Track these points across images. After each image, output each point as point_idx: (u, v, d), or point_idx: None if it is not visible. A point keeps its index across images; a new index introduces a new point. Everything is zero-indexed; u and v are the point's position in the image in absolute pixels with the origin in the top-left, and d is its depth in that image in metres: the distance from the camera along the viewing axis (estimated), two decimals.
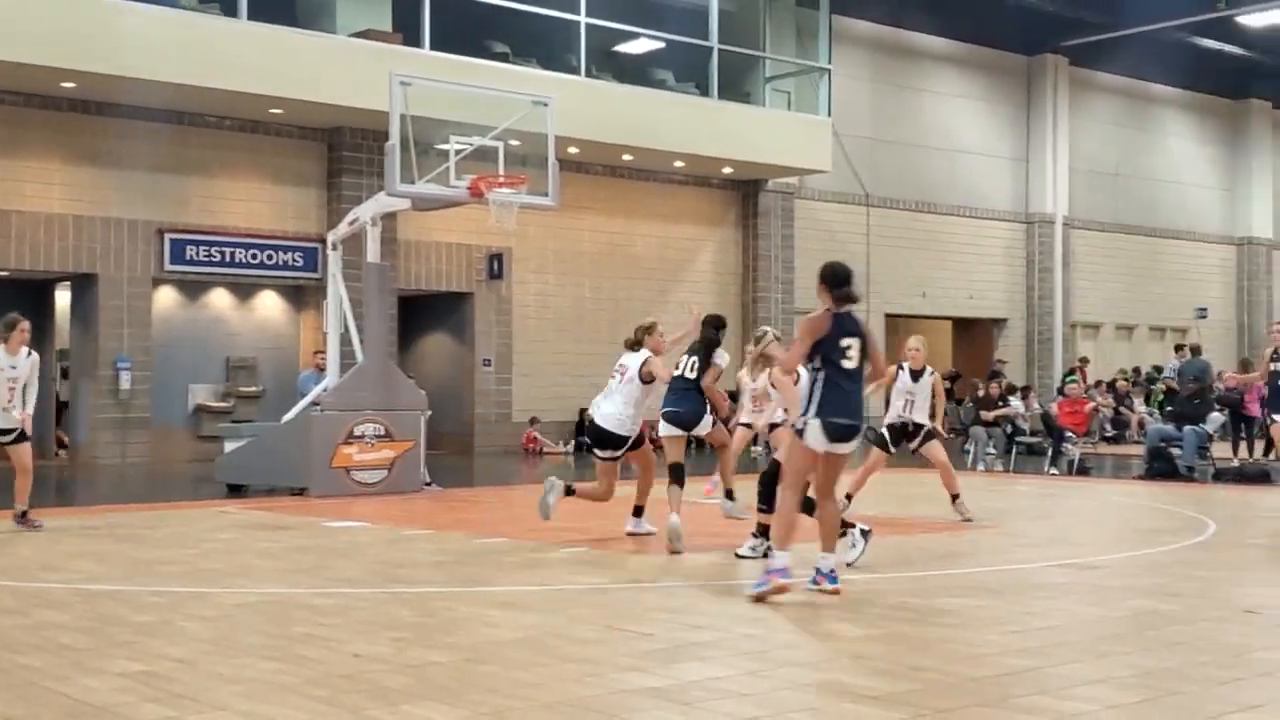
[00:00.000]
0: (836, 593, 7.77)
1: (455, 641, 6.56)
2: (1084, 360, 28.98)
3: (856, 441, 7.97)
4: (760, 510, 9.33)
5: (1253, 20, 28.31)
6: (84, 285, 20.00)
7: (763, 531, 9.33)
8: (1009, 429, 19.87)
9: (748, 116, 24.25)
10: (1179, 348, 28.63)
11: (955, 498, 12.23)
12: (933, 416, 12.15)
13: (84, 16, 17.52)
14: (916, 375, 12.09)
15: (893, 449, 12.30)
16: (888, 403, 12.32)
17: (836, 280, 7.89)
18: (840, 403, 7.83)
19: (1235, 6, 27.28)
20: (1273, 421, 13.61)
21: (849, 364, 7.84)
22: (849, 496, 11.80)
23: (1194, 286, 34.03)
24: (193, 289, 21.06)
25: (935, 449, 12.11)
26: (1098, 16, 28.12)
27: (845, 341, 7.81)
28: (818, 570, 7.91)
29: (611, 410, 10.43)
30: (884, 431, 12.33)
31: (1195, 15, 27.60)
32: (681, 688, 5.69)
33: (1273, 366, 13.65)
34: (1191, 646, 6.54)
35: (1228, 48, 30.40)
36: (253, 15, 18.79)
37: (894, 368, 11.86)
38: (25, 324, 11.48)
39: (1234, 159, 35.33)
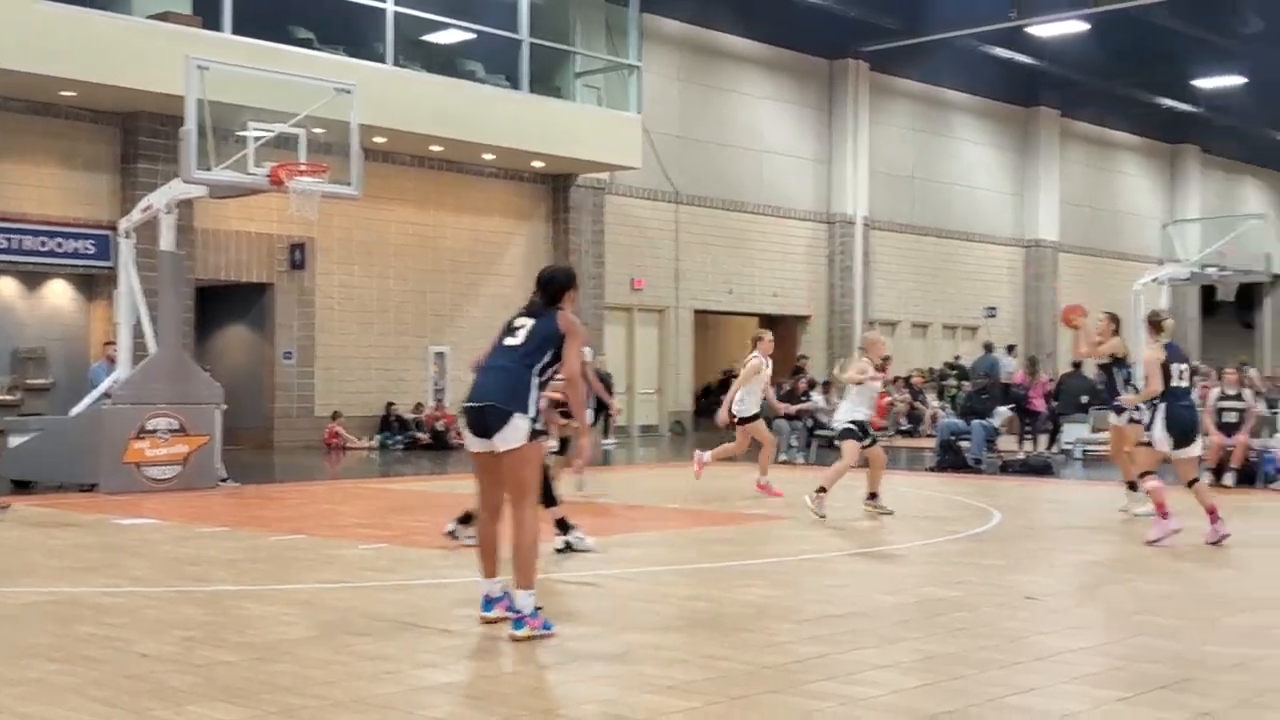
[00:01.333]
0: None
1: (246, 640, 6.43)
2: (886, 358, 29.77)
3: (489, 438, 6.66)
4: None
5: (1042, 30, 29.49)
6: None
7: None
8: (810, 423, 20.34)
9: (558, 111, 24.26)
10: (982, 346, 29.68)
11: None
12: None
13: None
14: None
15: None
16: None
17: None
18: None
19: (1026, 16, 28.38)
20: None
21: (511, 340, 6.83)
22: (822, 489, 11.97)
23: (985, 286, 35.33)
24: None
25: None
26: (897, 23, 28.92)
27: (519, 321, 6.88)
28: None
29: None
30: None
31: (989, 24, 28.61)
32: (478, 683, 5.69)
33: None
34: (974, 632, 6.81)
35: (1019, 56, 31.61)
36: None
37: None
38: None
39: (1023, 164, 36.78)
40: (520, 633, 6.40)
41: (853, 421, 12.22)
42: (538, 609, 6.51)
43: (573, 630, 6.70)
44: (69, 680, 5.54)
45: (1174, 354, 10.46)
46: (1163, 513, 10.24)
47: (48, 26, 17.96)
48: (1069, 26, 28.78)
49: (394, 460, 20.90)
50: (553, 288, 6.94)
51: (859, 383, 12.25)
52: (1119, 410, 12.91)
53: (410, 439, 22.96)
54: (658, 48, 27.50)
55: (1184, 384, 10.41)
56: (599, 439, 20.87)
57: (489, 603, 6.78)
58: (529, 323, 6.83)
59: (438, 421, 23.26)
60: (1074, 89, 34.55)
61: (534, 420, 6.60)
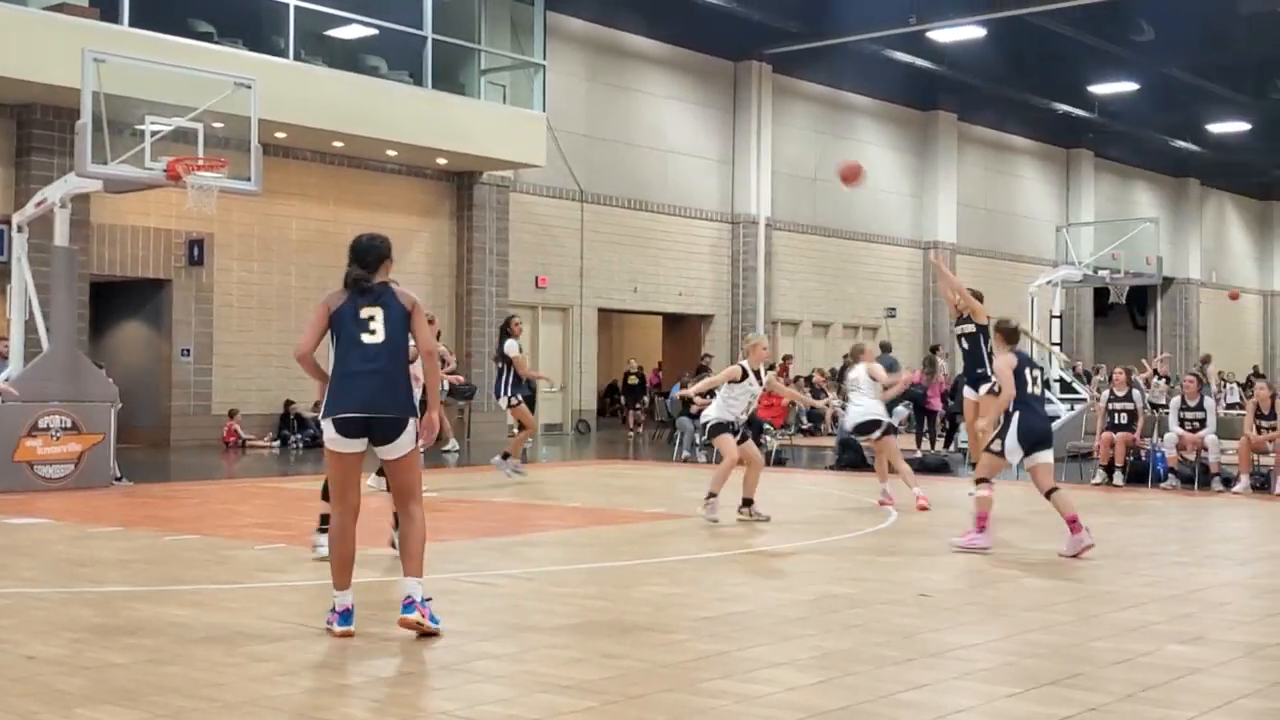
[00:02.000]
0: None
1: (137, 642, 6.33)
2: (787, 357, 30.10)
3: (378, 444, 6.60)
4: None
5: (941, 36, 29.94)
6: None
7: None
8: None
9: (462, 108, 24.14)
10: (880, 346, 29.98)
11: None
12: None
13: None
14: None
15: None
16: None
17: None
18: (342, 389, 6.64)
19: (926, 22, 28.79)
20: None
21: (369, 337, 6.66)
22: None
23: (885, 287, 35.79)
24: None
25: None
26: (800, 26, 29.18)
27: (365, 312, 6.69)
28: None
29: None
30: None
31: (889, 29, 28.98)
32: (373, 684, 5.66)
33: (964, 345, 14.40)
34: (868, 629, 6.92)
35: (919, 61, 32.05)
36: None
37: (736, 367, 12.18)
38: None
39: (922, 167, 37.30)
40: (410, 616, 6.37)
41: (719, 420, 11.96)
42: (426, 600, 6.47)
43: (470, 630, 6.70)
44: None
45: (1025, 361, 10.25)
46: (981, 525, 10.08)
47: None
48: (967, 32, 29.26)
49: (293, 459, 20.67)
50: (372, 256, 6.80)
51: (703, 394, 12.18)
52: (983, 380, 13.11)
53: (310, 437, 22.71)
54: (563, 46, 27.49)
55: (1036, 391, 10.20)
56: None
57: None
58: (378, 312, 6.64)
59: None
60: (972, 93, 35.12)
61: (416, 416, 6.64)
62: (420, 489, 6.74)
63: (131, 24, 19.25)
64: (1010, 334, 10.38)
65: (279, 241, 23.29)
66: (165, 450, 21.30)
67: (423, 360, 6.96)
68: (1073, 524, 9.72)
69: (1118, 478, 16.19)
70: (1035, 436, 9.97)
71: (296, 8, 21.40)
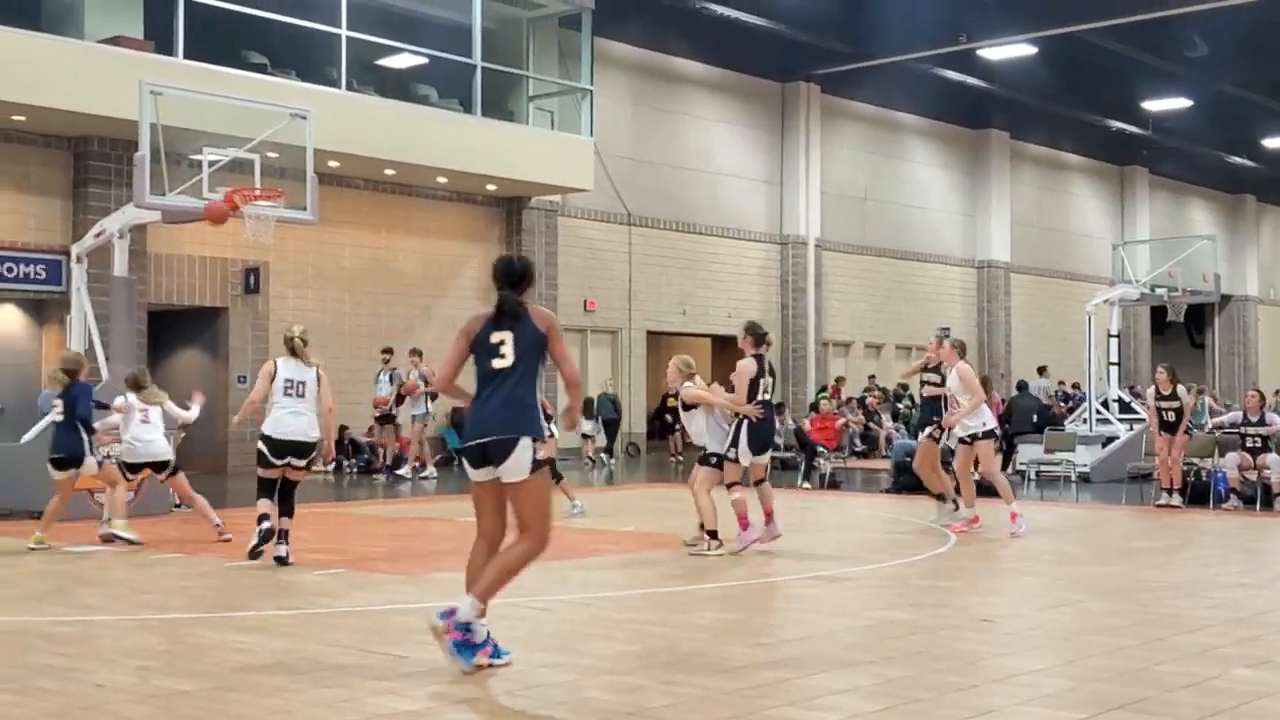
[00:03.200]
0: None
1: (203, 669, 6.38)
2: (839, 379, 30.03)
3: (496, 467, 6.38)
4: None
5: (991, 53, 29.81)
6: None
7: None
8: None
9: (511, 134, 24.29)
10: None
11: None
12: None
13: None
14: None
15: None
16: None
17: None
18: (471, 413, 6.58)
19: (976, 40, 28.69)
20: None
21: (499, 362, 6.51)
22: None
23: (938, 307, 35.58)
24: None
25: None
26: (848, 47, 29.15)
27: (496, 337, 6.53)
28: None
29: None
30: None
31: (939, 48, 28.90)
32: (436, 710, 5.68)
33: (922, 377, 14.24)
34: (930, 655, 6.85)
35: (969, 79, 31.92)
36: None
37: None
38: None
39: (974, 186, 37.11)
40: (440, 623, 6.22)
41: (713, 454, 11.31)
42: (469, 625, 6.26)
43: (529, 656, 6.70)
44: (22, 712, 5.48)
45: (762, 368, 11.12)
46: (744, 524, 10.97)
47: (0, 52, 17.83)
48: (1018, 50, 29.12)
49: (347, 484, 20.80)
50: (518, 277, 6.55)
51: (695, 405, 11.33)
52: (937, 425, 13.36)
53: (365, 462, 22.85)
54: (610, 71, 27.60)
55: (768, 397, 11.18)
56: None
57: (445, 614, 6.34)
58: (509, 336, 6.46)
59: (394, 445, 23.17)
60: (1024, 111, 34.93)
61: (539, 439, 6.38)
62: (542, 525, 6.42)
63: (186, 56, 19.50)
64: (760, 338, 11.32)
65: (332, 269, 23.49)
66: (222, 477, 21.47)
67: (564, 382, 6.73)
68: (769, 516, 11.16)
69: (1175, 499, 16.01)
70: (762, 441, 11.19)
71: (348, 38, 21.62)
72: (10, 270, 19.82)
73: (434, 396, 21.38)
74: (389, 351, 22.18)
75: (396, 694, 5.90)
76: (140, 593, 9.03)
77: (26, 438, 15.01)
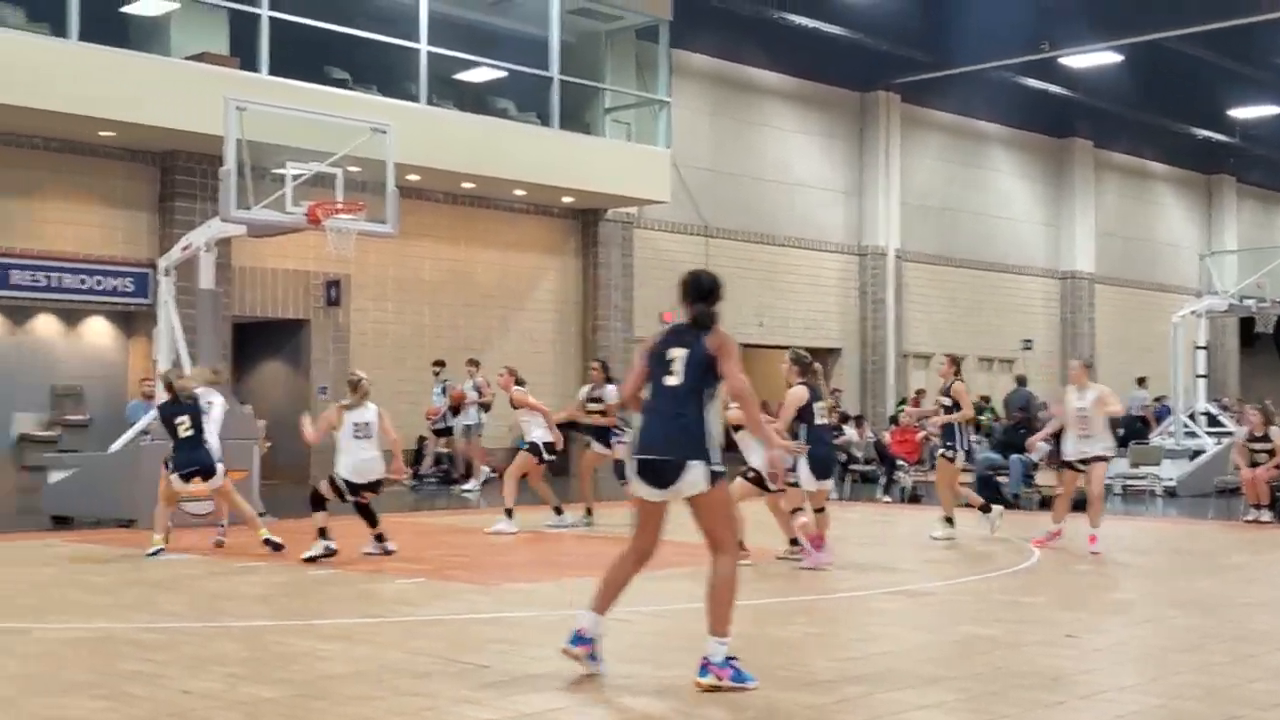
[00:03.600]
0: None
1: (287, 676, 6.45)
2: (919, 392, 29.73)
3: (664, 489, 6.32)
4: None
5: (1075, 61, 29.45)
6: None
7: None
8: (844, 457, 20.27)
9: (588, 147, 24.37)
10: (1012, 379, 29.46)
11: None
12: None
13: None
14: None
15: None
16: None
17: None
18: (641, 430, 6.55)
19: (1059, 48, 28.36)
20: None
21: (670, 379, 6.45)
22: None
23: (1020, 319, 35.16)
24: (17, 314, 20.31)
25: None
26: (928, 56, 28.94)
27: (671, 353, 6.47)
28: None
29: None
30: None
31: (1021, 56, 28.60)
32: None
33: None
34: (1015, 671, 6.76)
35: (1051, 87, 31.55)
36: (84, 36, 18.23)
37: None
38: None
39: (1057, 195, 36.65)
40: (705, 680, 6.11)
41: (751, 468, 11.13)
42: (730, 659, 6.18)
43: (611, 669, 6.69)
44: (113, 717, 5.56)
45: (815, 394, 11.09)
46: (819, 544, 10.91)
47: (87, 68, 18.19)
48: (1102, 57, 28.75)
49: (425, 494, 20.95)
50: (709, 291, 6.55)
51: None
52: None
53: (443, 473, 23.01)
54: (687, 82, 27.61)
55: (825, 422, 11.17)
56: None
57: (579, 639, 6.34)
58: (682, 353, 6.41)
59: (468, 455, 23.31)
60: (1108, 120, 34.46)
61: (713, 461, 6.30)
62: (728, 537, 6.44)
63: (270, 72, 19.77)
64: (807, 367, 11.28)
65: (412, 281, 23.70)
66: (305, 486, 21.66)
67: (737, 402, 6.66)
68: (817, 541, 10.92)
69: (1267, 514, 15.70)
70: (823, 465, 11.10)
71: (428, 53, 21.83)
72: (99, 283, 20.20)
73: (486, 408, 21.16)
74: (441, 364, 22.16)
75: (479, 704, 5.92)
76: (223, 600, 9.14)
77: (115, 447, 15.30)
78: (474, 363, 21.36)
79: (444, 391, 21.47)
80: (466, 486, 20.87)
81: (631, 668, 6.73)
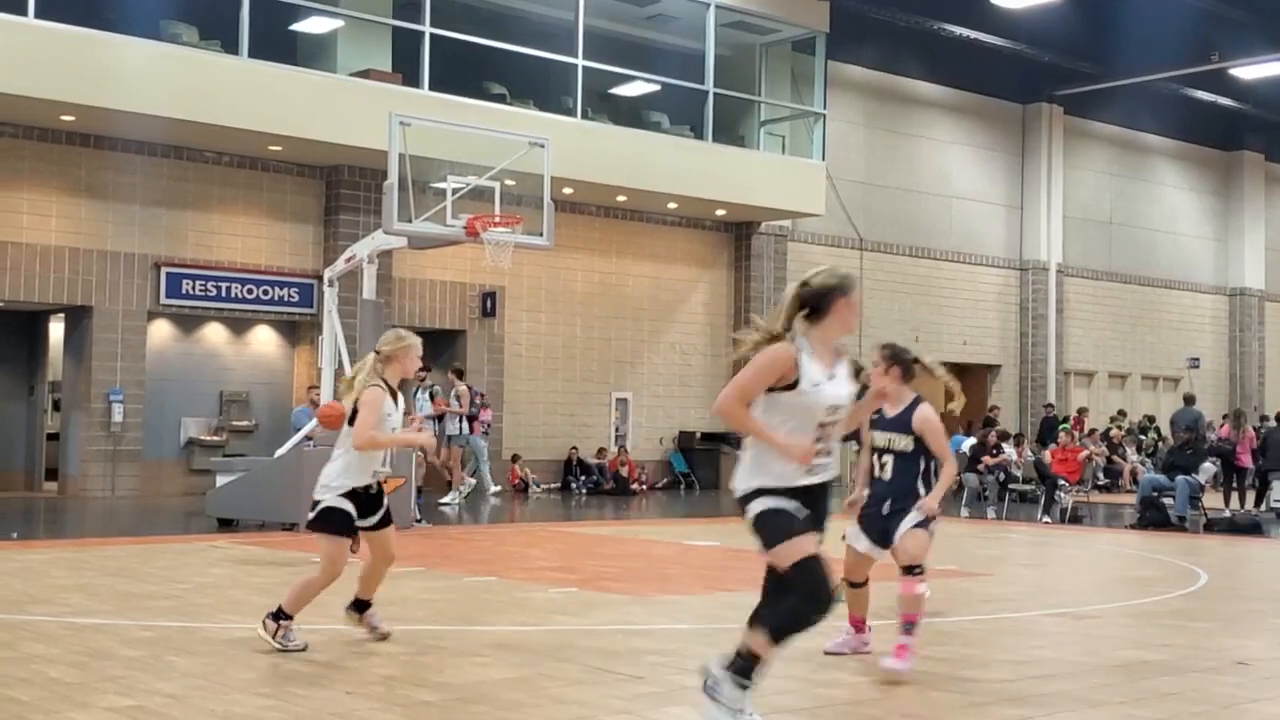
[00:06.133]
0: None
1: (445, 680, 6.53)
2: (1082, 410, 29.02)
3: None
4: None
5: (1245, 73, 28.54)
6: (78, 317, 19.99)
7: None
8: (1002, 476, 19.86)
9: (741, 160, 24.36)
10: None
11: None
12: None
13: (85, 51, 17.59)
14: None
15: None
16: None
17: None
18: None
19: (1229, 59, 27.51)
20: None
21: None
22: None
23: (1186, 336, 34.12)
24: (187, 323, 21.06)
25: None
26: (1092, 67, 28.33)
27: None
28: None
29: None
30: None
31: (1189, 67, 27.82)
32: None
33: None
34: (1183, 697, 6.53)
35: (1220, 99, 30.63)
36: (254, 53, 18.87)
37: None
38: None
39: (1226, 210, 35.52)
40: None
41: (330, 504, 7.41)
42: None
43: (766, 684, 6.63)
44: (276, 715, 5.69)
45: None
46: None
47: (257, 84, 18.78)
48: (1273, 68, 27.80)
49: (575, 504, 21.11)
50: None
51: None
52: None
53: (594, 483, 23.19)
54: (843, 94, 27.42)
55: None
56: None
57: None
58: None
59: (621, 466, 23.43)
60: (1279, 132, 33.32)
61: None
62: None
63: (431, 88, 20.20)
64: (906, 366, 7.84)
65: (565, 293, 23.93)
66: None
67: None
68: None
69: None
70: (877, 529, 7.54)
71: (584, 68, 22.05)
72: (266, 293, 20.82)
73: (472, 419, 19.91)
74: (426, 369, 20.10)
75: (631, 714, 5.92)
76: (384, 604, 9.29)
77: (280, 452, 15.72)
78: (458, 372, 20.14)
79: (432, 397, 20.11)
80: (445, 499, 19.52)
81: (787, 683, 6.67)
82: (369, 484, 7.42)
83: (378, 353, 7.63)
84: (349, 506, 7.34)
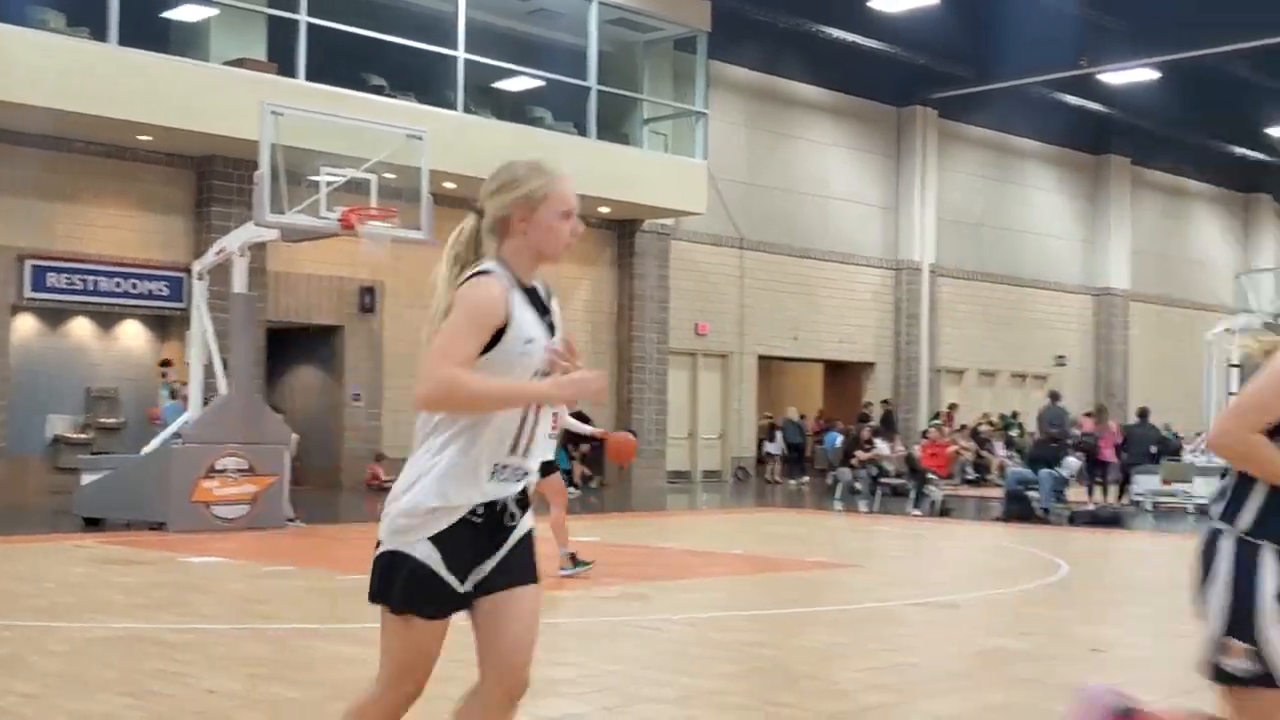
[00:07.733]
0: None
1: (312, 678, 6.48)
2: (952, 406, 29.66)
3: None
4: None
5: (1114, 78, 29.32)
6: None
7: None
8: (875, 471, 20.20)
9: (625, 157, 24.41)
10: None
11: None
12: None
13: None
14: None
15: None
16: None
17: None
18: None
19: (1097, 64, 28.25)
20: None
21: None
22: None
23: (1054, 335, 34.99)
24: (53, 317, 20.49)
25: None
26: (966, 71, 28.89)
27: None
28: None
29: None
30: None
31: (1060, 72, 28.50)
32: None
33: None
34: (1040, 684, 6.71)
35: (1089, 104, 31.43)
36: (124, 41, 18.43)
37: None
38: None
39: (1093, 212, 36.48)
40: None
41: None
42: None
43: (637, 674, 6.68)
44: (136, 715, 5.60)
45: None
46: None
47: (127, 72, 18.36)
48: (1140, 74, 28.64)
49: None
50: None
51: None
52: None
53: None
54: (725, 94, 27.63)
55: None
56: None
57: None
58: None
59: None
60: (1145, 137, 34.32)
61: None
62: None
63: (307, 78, 19.91)
64: None
65: None
66: (338, 491, 21.82)
67: None
68: None
69: None
70: None
71: (466, 61, 21.93)
72: (135, 287, 20.36)
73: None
74: (168, 363, 20.06)
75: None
76: (254, 603, 9.18)
77: (146, 450, 15.42)
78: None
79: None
80: None
81: (656, 674, 6.73)
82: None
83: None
84: None
